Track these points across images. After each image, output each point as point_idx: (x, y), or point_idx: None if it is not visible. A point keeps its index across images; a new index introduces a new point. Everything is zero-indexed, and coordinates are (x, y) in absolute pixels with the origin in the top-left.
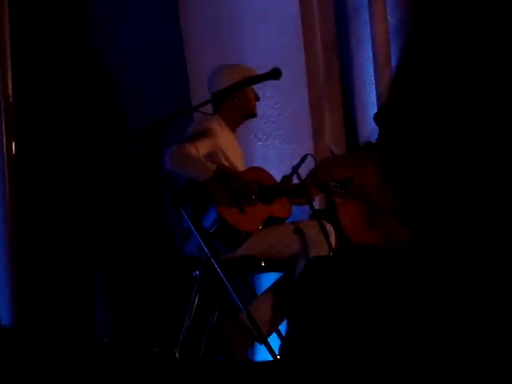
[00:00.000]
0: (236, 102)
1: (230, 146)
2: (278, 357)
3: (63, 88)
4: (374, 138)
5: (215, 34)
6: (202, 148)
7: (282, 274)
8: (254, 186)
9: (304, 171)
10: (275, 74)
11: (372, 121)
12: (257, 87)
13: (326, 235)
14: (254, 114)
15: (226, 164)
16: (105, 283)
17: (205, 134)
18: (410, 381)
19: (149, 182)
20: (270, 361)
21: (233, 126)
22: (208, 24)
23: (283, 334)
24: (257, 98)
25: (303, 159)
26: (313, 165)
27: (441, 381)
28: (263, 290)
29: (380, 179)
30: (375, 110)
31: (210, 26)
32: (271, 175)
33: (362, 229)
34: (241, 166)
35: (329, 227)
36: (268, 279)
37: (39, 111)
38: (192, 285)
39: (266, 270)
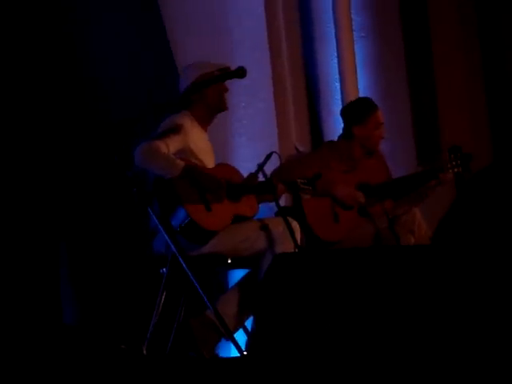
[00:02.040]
0: (204, 98)
1: (200, 144)
2: (245, 353)
3: (40, 91)
4: (338, 134)
5: (196, 33)
6: (171, 145)
7: (248, 270)
8: (223, 182)
9: (269, 169)
10: (240, 72)
11: (337, 118)
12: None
13: (292, 232)
14: (224, 108)
15: (196, 161)
16: (72, 280)
17: (175, 131)
18: (371, 374)
19: (119, 179)
20: (237, 357)
21: (204, 122)
22: (189, 24)
23: (250, 329)
24: (226, 90)
25: (268, 157)
26: (278, 162)
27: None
28: (230, 287)
29: (343, 176)
30: (340, 107)
31: (192, 26)
32: (240, 172)
33: (328, 225)
34: (211, 164)
35: (294, 224)
36: (236, 276)
37: (15, 106)
38: (159, 282)
39: (233, 266)
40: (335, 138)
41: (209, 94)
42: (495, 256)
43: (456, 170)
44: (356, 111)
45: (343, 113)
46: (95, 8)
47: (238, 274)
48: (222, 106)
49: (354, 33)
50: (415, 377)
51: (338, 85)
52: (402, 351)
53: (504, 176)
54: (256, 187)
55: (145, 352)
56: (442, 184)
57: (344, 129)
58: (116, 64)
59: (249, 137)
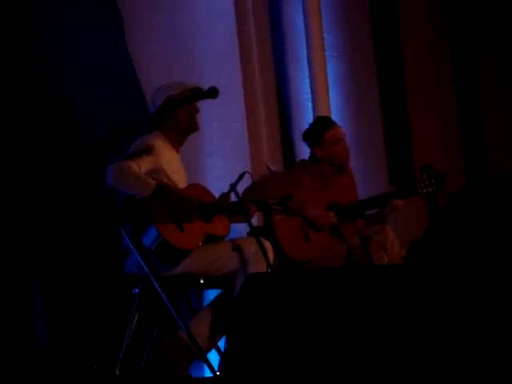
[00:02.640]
0: (175, 118)
1: (172, 164)
2: (218, 373)
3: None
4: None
5: (163, 51)
6: (143, 165)
7: (221, 290)
8: (194, 202)
9: (242, 189)
10: (212, 92)
11: None
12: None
13: (264, 252)
14: (195, 129)
15: (168, 182)
16: (44, 298)
17: (147, 151)
18: None
19: (91, 199)
20: (210, 377)
21: (176, 143)
22: (154, 42)
23: (222, 350)
24: (196, 111)
25: (241, 177)
26: (250, 182)
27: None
28: (202, 307)
29: (315, 195)
30: None
31: (157, 43)
32: (211, 193)
33: (300, 245)
34: (183, 184)
35: (267, 244)
36: (209, 296)
37: None
38: (131, 302)
39: (205, 287)
40: (307, 157)
41: (179, 115)
42: (470, 276)
43: (430, 189)
44: (312, 133)
45: (303, 137)
46: (64, 23)
47: (212, 294)
48: (193, 127)
49: (326, 52)
50: None
51: (309, 104)
52: (375, 370)
53: (479, 198)
54: (228, 207)
55: (118, 372)
56: (393, 210)
57: (310, 152)
58: (87, 83)
59: (221, 157)
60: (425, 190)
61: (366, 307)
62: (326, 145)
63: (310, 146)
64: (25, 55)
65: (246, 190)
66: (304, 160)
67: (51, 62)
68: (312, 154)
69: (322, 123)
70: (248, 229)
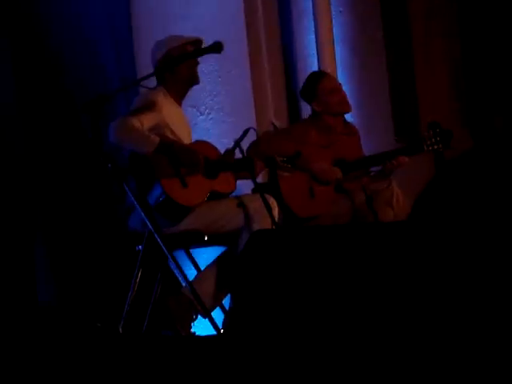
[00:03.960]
0: (176, 72)
1: (175, 119)
2: (222, 331)
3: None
4: None
5: (162, 7)
6: (146, 121)
7: (225, 248)
8: (200, 155)
9: (246, 145)
10: (217, 47)
11: None
12: (199, 60)
13: (269, 209)
14: (196, 82)
15: (173, 136)
16: (47, 257)
17: (149, 107)
18: (349, 354)
19: (94, 156)
20: (214, 335)
21: (178, 97)
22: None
23: (227, 308)
24: (196, 64)
25: (245, 133)
26: (255, 138)
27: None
28: (207, 265)
29: (321, 151)
30: None
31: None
32: (217, 149)
33: (305, 201)
34: (188, 138)
35: (272, 201)
36: (212, 253)
37: None
38: (135, 259)
39: (209, 244)
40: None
41: (181, 70)
42: (475, 233)
43: (436, 147)
44: (306, 89)
45: (300, 96)
46: None
47: (214, 252)
48: (193, 80)
49: (332, 7)
50: (395, 361)
51: (315, 60)
52: (379, 328)
53: (484, 157)
54: (234, 164)
55: (120, 330)
56: (398, 166)
57: (310, 109)
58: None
59: (225, 112)
60: (430, 148)
61: (370, 263)
62: (321, 96)
63: (308, 102)
64: (20, 17)
65: (251, 146)
66: (307, 118)
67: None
68: (313, 110)
69: (314, 76)
70: (252, 185)
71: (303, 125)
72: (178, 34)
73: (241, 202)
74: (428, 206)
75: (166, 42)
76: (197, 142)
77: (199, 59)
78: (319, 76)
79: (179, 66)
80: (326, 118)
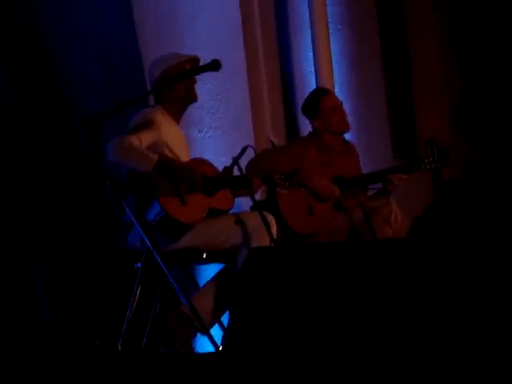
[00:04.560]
0: (173, 90)
1: (174, 137)
2: (221, 348)
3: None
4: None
5: (162, 26)
6: (144, 139)
7: (223, 265)
8: (198, 174)
9: (244, 162)
10: (215, 65)
11: None
12: (197, 78)
13: (268, 226)
14: (194, 99)
15: (171, 155)
16: (47, 274)
17: (147, 125)
18: (346, 367)
19: (93, 174)
20: (213, 352)
21: (176, 115)
22: (154, 16)
23: (225, 325)
24: (194, 82)
25: (243, 150)
26: (253, 156)
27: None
28: (205, 282)
29: (320, 168)
30: None
31: (156, 18)
32: (214, 166)
33: (303, 218)
34: (185, 157)
35: (270, 218)
36: (210, 271)
37: None
38: (134, 277)
39: (208, 261)
40: (310, 131)
41: (179, 89)
42: (474, 250)
43: (433, 165)
44: (307, 106)
45: (302, 112)
46: None
47: (213, 270)
48: (191, 98)
49: (330, 25)
50: (390, 370)
51: (313, 77)
52: (377, 341)
53: (482, 177)
54: (232, 181)
55: (120, 348)
56: (396, 185)
57: (311, 126)
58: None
59: (223, 130)
60: (428, 166)
61: (367, 281)
62: (323, 114)
63: (309, 119)
64: (20, 28)
65: (250, 163)
66: (307, 135)
67: (54, 44)
68: (313, 127)
69: (316, 93)
70: (251, 203)
71: (302, 142)
72: (174, 52)
73: (239, 220)
74: (427, 225)
75: (163, 60)
76: (194, 159)
77: (197, 77)
78: (321, 93)
79: (177, 85)
80: (326, 136)
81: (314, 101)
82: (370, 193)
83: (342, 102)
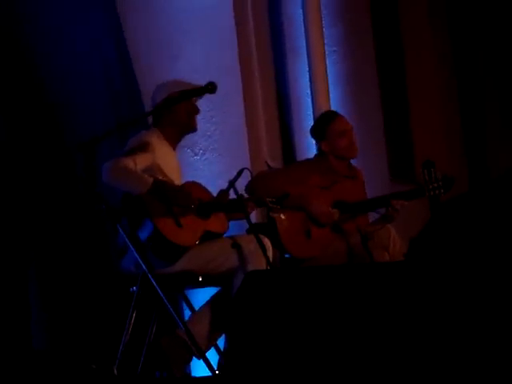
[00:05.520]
0: (173, 116)
1: (168, 161)
2: (217, 372)
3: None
4: (310, 151)
5: (156, 48)
6: (139, 162)
7: (219, 288)
8: (193, 196)
9: (240, 185)
10: (210, 87)
11: (308, 133)
12: (195, 102)
13: (264, 249)
14: (192, 129)
15: (164, 179)
16: (41, 298)
17: (143, 148)
18: None
19: (87, 197)
20: (209, 376)
21: (172, 140)
22: (147, 38)
23: (221, 348)
24: (196, 112)
25: (239, 173)
26: (249, 179)
27: None
28: (201, 305)
29: (322, 192)
30: (311, 122)
31: (149, 40)
32: (208, 190)
33: (301, 241)
34: (178, 182)
35: (266, 241)
36: (205, 294)
37: None
38: (129, 301)
39: (204, 284)
40: (307, 153)
41: (178, 112)
42: (470, 272)
43: (437, 192)
44: (317, 127)
45: (310, 133)
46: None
47: (208, 293)
48: (190, 126)
49: (326, 47)
50: None
51: (309, 100)
52: (375, 369)
53: (480, 198)
54: (226, 205)
55: (115, 372)
56: (396, 211)
57: (317, 148)
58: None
59: (219, 153)
60: (432, 193)
61: (365, 305)
62: (331, 137)
63: (316, 141)
64: (16, 52)
65: (249, 184)
66: (312, 158)
67: (45, 58)
68: (319, 150)
69: (326, 117)
70: (247, 226)
71: (306, 165)
72: (179, 80)
73: (235, 243)
74: (424, 247)
75: (168, 86)
76: (187, 183)
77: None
78: (331, 117)
79: (177, 108)
80: (332, 160)
81: (323, 123)
82: (371, 218)
83: (352, 127)
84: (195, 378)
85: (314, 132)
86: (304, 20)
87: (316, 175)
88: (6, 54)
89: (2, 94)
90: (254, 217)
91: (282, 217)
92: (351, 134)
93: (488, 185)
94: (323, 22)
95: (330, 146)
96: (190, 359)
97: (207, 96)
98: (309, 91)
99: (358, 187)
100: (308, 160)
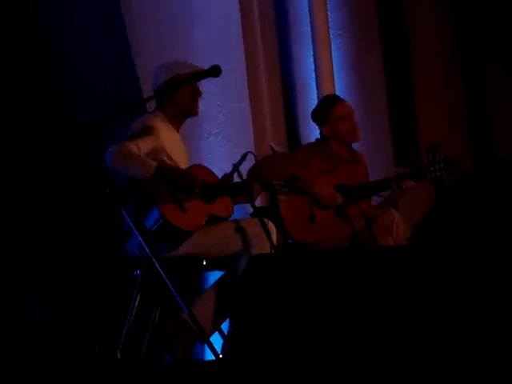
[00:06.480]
0: (176, 98)
1: (172, 144)
2: (221, 356)
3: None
4: (315, 135)
5: (161, 33)
6: (143, 146)
7: (223, 272)
8: (197, 180)
9: (245, 169)
10: (214, 71)
11: None
12: (198, 85)
13: (268, 233)
14: (194, 113)
15: (170, 162)
16: (45, 282)
17: (147, 131)
18: (348, 375)
19: (91, 181)
20: (213, 360)
21: (175, 123)
22: (153, 24)
23: (226, 332)
24: (199, 94)
25: (244, 157)
26: (253, 162)
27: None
28: (205, 289)
29: (323, 176)
30: None
31: (155, 25)
32: (214, 173)
33: (305, 226)
34: (184, 164)
35: (270, 225)
36: (212, 278)
37: None
38: (133, 284)
39: (208, 268)
40: (311, 137)
41: (181, 95)
42: (474, 257)
43: (439, 173)
44: (318, 112)
45: (311, 117)
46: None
47: (214, 276)
48: (192, 110)
49: (331, 30)
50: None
51: (314, 83)
52: (379, 351)
53: (484, 180)
54: (232, 188)
55: (119, 356)
56: (406, 192)
57: (319, 132)
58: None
59: (224, 136)
60: (433, 174)
61: (369, 289)
62: (332, 121)
63: (318, 125)
64: (21, 36)
65: (252, 168)
66: (314, 141)
67: (48, 46)
68: (321, 134)
69: (326, 101)
70: (251, 209)
71: (308, 149)
72: (183, 61)
73: (239, 227)
74: (428, 231)
75: (172, 67)
76: (193, 166)
77: (200, 88)
78: (332, 101)
79: (180, 91)
80: (333, 144)
81: (325, 107)
82: (374, 202)
83: (353, 111)
84: (199, 361)
85: (315, 116)
86: (308, 3)
87: (317, 159)
88: (18, 47)
89: (9, 79)
90: (257, 201)
91: (284, 199)
92: (352, 118)
93: (492, 166)
94: (328, 6)
95: (331, 130)
96: (194, 343)
97: (213, 80)
98: (313, 75)
99: (360, 171)
100: (310, 144)
